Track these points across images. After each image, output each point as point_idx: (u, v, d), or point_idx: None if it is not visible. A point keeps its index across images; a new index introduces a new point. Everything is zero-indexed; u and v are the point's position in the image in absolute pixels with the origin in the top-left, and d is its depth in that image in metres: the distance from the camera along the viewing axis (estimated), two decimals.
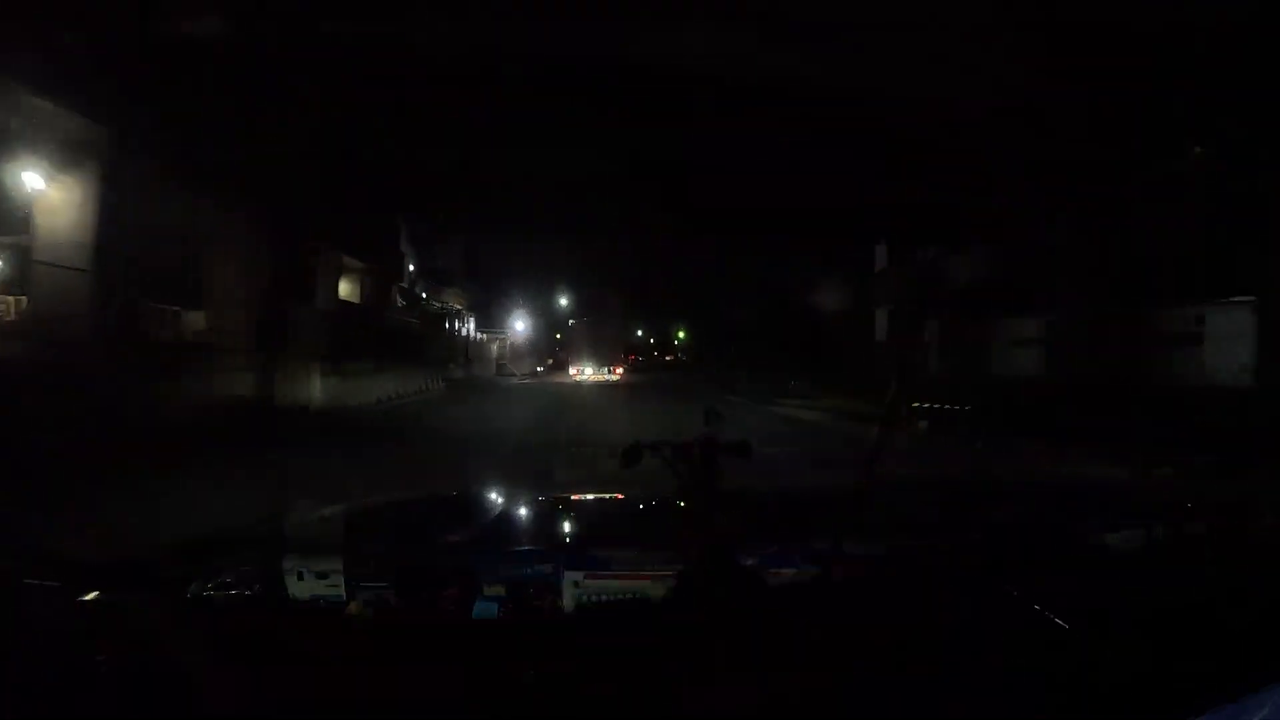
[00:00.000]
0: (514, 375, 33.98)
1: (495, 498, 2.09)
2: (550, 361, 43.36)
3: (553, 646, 0.99)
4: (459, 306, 37.65)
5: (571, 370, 31.68)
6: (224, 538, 1.66)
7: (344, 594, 1.15)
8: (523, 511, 1.98)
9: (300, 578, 1.17)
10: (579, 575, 1.21)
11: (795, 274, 31.84)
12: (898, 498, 1.79)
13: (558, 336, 48.63)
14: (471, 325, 38.74)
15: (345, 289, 22.86)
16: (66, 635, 0.97)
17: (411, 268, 34.33)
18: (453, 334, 33.38)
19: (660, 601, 1.14)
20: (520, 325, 42.70)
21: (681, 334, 76.59)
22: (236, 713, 0.85)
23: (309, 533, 1.61)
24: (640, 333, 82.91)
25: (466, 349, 30.22)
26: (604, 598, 1.19)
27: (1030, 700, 0.83)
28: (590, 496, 2.22)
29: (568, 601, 1.19)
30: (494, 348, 38.17)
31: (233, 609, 1.16)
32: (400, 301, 32.32)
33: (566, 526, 1.89)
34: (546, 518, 1.94)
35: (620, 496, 2.09)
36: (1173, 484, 5.98)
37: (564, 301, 46.03)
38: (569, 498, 2.17)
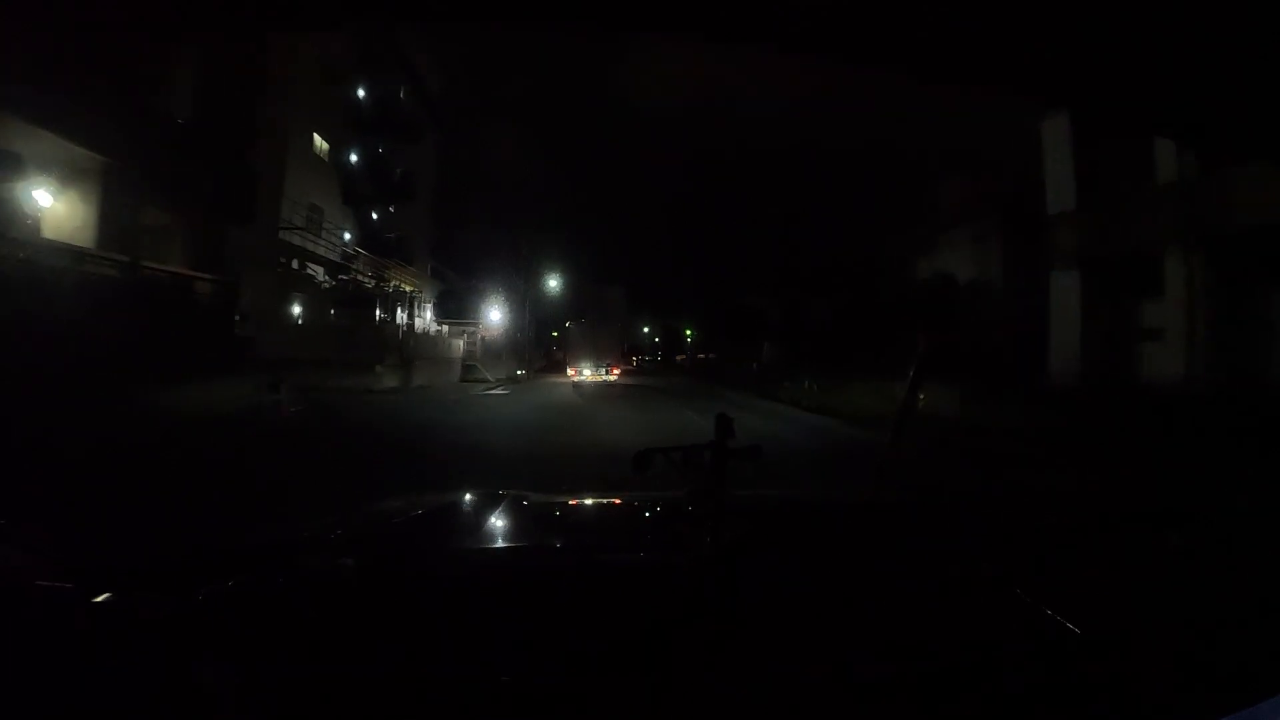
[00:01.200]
0: (486, 381, 24.78)
1: (497, 503, 1.93)
2: (544, 363, 35.44)
3: (557, 649, 0.99)
4: (408, 289, 28.36)
5: (569, 371, 29.14)
6: (239, 544, 1.60)
7: (354, 598, 1.16)
8: (526, 515, 1.87)
9: (310, 581, 1.21)
10: (583, 577, 1.25)
11: (876, 237, 23.30)
12: (908, 505, 1.87)
13: (554, 334, 41.66)
14: (428, 314, 29.47)
15: (64, 212, 11.77)
16: (78, 636, 0.96)
17: (348, 235, 25.63)
18: (386, 324, 23.92)
19: (666, 605, 1.11)
20: (496, 316, 33.27)
21: (690, 331, 67.79)
22: (245, 716, 0.85)
23: (319, 539, 1.57)
24: (646, 329, 74.52)
25: (400, 348, 20.02)
26: (608, 600, 1.17)
27: (1040, 703, 0.84)
28: (590, 501, 2.20)
29: (572, 604, 1.17)
30: (460, 345, 28.52)
31: (245, 614, 1.11)
32: (324, 278, 23.42)
33: (570, 529, 1.87)
34: (550, 520, 1.90)
35: (618, 502, 2.11)
36: None
37: (553, 283, 37.09)
38: (568, 502, 2.14)
